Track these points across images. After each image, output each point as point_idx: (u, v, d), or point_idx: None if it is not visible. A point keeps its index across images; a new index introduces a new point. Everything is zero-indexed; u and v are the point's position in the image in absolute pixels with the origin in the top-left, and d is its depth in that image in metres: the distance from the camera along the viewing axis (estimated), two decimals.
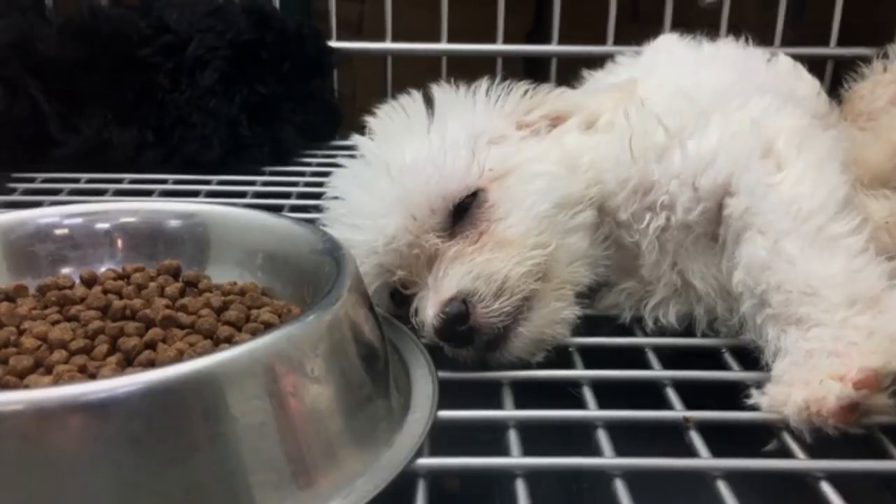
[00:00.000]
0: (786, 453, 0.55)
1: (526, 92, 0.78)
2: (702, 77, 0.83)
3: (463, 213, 0.68)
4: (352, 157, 0.77)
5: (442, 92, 0.75)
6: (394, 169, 0.68)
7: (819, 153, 0.68)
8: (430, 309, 0.64)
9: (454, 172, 0.68)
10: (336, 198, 0.73)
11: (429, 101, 0.75)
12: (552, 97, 0.79)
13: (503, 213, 0.68)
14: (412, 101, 0.75)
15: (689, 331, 0.71)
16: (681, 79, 0.81)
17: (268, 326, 0.56)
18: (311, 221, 0.71)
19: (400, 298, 0.70)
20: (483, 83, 0.77)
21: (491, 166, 0.69)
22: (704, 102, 0.72)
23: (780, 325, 0.61)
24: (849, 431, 0.55)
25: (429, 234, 0.67)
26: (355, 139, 0.77)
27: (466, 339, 0.63)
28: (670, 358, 0.67)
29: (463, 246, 0.66)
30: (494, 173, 0.69)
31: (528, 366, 0.65)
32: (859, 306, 0.59)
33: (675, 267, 0.70)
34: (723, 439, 0.56)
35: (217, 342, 0.55)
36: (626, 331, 0.72)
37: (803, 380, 0.56)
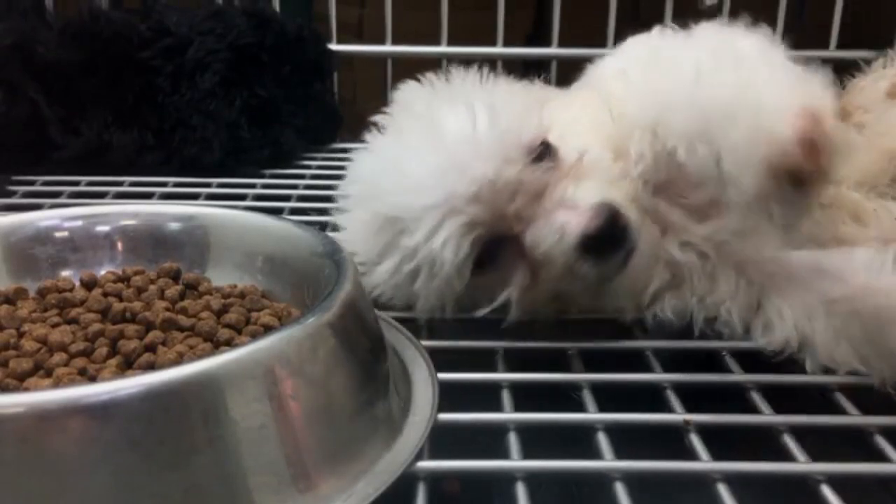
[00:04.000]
0: (786, 456, 0.55)
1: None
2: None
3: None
4: (350, 157, 0.76)
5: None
6: (455, 124, 0.65)
7: None
8: (573, 219, 0.61)
9: (527, 119, 0.66)
10: (360, 180, 0.71)
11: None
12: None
13: (573, 156, 0.66)
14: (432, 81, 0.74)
15: (689, 334, 0.71)
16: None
17: (268, 329, 0.56)
18: (312, 224, 0.71)
19: (483, 260, 0.65)
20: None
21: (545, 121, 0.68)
22: None
23: None
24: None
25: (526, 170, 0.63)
26: (388, 112, 0.74)
27: (619, 242, 0.62)
28: (670, 361, 0.67)
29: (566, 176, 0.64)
30: (547, 126, 0.68)
31: (527, 368, 0.65)
32: None
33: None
34: (723, 442, 0.56)
35: (217, 345, 0.55)
36: (626, 333, 0.72)
37: None
